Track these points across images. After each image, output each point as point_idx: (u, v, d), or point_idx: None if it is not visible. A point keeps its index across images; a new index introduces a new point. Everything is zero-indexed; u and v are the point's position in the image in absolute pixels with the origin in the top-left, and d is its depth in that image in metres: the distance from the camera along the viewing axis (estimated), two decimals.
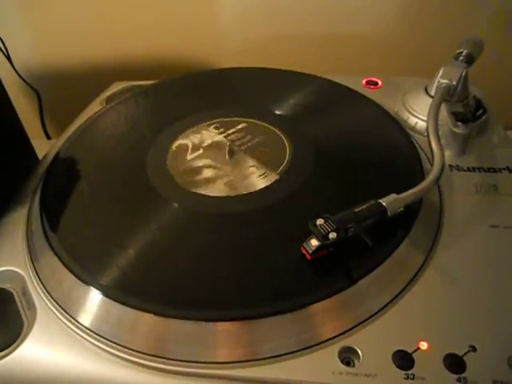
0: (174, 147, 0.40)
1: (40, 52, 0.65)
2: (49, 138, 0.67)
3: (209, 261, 0.31)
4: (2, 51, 0.56)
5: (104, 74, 0.63)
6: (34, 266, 0.32)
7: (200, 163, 0.38)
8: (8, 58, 0.57)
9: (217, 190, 0.36)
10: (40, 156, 0.46)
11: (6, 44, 0.56)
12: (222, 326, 0.27)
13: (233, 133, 0.41)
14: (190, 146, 0.40)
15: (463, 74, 0.39)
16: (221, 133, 0.42)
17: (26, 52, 0.64)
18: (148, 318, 0.27)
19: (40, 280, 0.31)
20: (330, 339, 0.27)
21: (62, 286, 0.30)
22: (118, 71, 0.65)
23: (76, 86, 0.66)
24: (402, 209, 0.30)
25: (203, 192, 0.35)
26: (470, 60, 0.41)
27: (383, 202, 0.30)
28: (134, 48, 0.64)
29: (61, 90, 0.67)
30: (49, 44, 0.64)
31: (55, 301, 0.30)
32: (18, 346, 0.28)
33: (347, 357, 0.26)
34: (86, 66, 0.65)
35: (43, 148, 0.46)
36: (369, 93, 0.46)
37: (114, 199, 0.36)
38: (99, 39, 0.63)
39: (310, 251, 0.28)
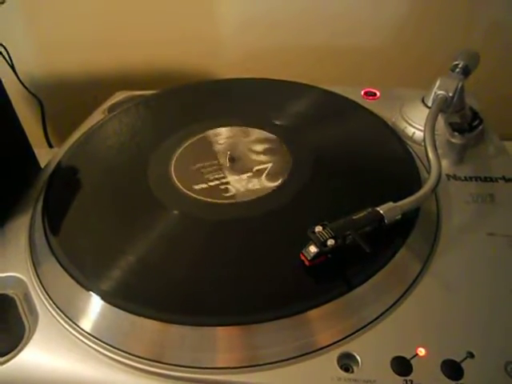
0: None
1: (43, 61, 0.66)
2: (51, 146, 0.67)
3: (208, 267, 0.31)
4: (7, 60, 0.56)
5: (106, 84, 0.64)
6: (36, 272, 0.33)
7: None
8: (12, 67, 0.58)
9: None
10: (42, 164, 0.46)
11: (10, 53, 0.56)
12: (221, 332, 0.27)
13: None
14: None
15: (459, 85, 0.40)
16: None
17: (30, 61, 0.65)
18: (148, 323, 0.28)
19: (42, 286, 0.32)
20: (329, 345, 0.27)
21: (63, 291, 0.31)
22: (119, 81, 0.66)
23: (78, 95, 0.67)
24: (399, 217, 0.30)
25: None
26: (466, 72, 0.41)
27: (381, 209, 0.30)
28: (136, 58, 0.65)
29: (63, 99, 0.68)
30: (52, 54, 0.65)
31: (57, 306, 0.30)
32: (19, 351, 0.28)
33: (346, 363, 0.26)
34: (89, 75, 0.66)
35: (45, 156, 0.47)
36: (367, 103, 0.47)
37: (115, 206, 0.37)
38: (102, 49, 0.64)
39: (309, 258, 0.28)
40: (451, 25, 0.59)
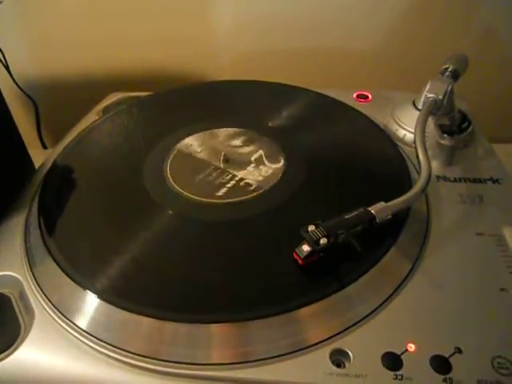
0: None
1: (38, 62, 0.66)
2: (45, 147, 0.67)
3: (203, 265, 0.31)
4: (1, 61, 0.57)
5: (100, 85, 0.64)
6: (31, 271, 0.33)
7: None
8: (7, 67, 0.58)
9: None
10: (36, 165, 0.46)
11: (4, 54, 0.57)
12: (216, 328, 0.28)
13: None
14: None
15: (449, 88, 0.40)
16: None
17: (25, 62, 0.65)
18: (144, 320, 0.28)
19: (38, 284, 0.32)
20: (322, 341, 0.27)
21: (59, 289, 0.31)
22: (114, 82, 0.66)
23: (73, 96, 0.67)
24: (390, 216, 0.31)
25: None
26: (455, 75, 0.42)
27: (372, 209, 0.31)
28: (131, 60, 0.65)
29: (58, 100, 0.68)
30: (47, 54, 0.65)
31: (53, 304, 0.30)
32: (15, 349, 0.28)
33: (338, 359, 0.27)
34: (83, 76, 0.67)
35: (39, 157, 0.47)
36: (359, 106, 0.47)
37: (110, 206, 0.37)
38: (96, 51, 0.64)
39: (302, 256, 0.29)
40: (444, 30, 0.60)
